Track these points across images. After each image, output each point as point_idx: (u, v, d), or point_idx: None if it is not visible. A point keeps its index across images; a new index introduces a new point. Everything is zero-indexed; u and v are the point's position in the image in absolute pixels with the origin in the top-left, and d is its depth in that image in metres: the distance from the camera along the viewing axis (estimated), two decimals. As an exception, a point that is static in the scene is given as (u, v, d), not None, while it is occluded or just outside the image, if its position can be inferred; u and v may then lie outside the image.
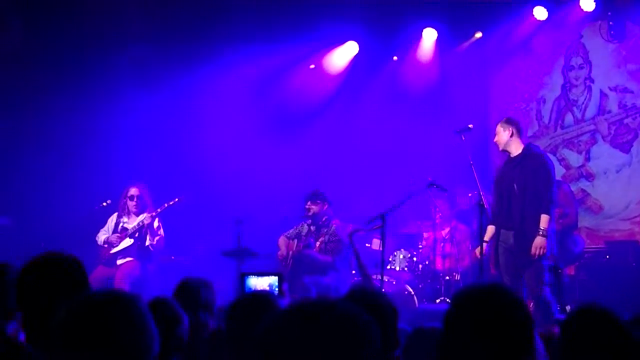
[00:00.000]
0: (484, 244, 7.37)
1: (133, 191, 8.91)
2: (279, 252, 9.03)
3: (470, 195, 9.47)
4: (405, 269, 9.55)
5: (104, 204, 9.10)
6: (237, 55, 10.38)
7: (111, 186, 9.37)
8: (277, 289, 4.37)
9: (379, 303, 2.82)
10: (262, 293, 3.77)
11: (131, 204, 8.89)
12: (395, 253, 9.65)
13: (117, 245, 8.82)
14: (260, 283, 4.37)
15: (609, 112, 10.10)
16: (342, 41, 11.02)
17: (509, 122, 7.47)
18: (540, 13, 9.84)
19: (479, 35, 10.66)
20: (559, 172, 9.51)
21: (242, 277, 4.41)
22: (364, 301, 2.76)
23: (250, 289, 4.37)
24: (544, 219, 7.07)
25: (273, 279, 4.38)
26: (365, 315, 1.63)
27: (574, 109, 10.37)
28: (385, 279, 8.20)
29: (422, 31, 10.67)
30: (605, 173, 10.16)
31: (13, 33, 9.55)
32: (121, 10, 9.65)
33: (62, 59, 10.09)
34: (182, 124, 10.72)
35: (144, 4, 9.76)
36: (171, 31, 10.30)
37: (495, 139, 7.45)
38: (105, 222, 9.03)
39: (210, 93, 10.72)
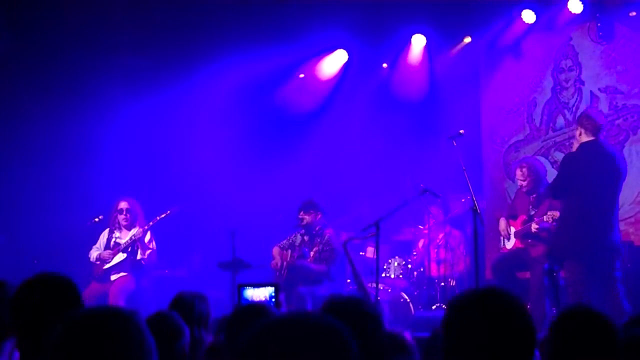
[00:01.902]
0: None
1: (122, 205, 8.87)
2: (273, 262, 9.00)
3: (463, 200, 9.45)
4: (400, 276, 9.53)
5: (96, 219, 9.05)
6: (227, 65, 10.35)
7: (103, 201, 9.32)
8: (274, 300, 4.34)
9: (357, 310, 2.77)
10: (258, 304, 3.75)
11: (121, 218, 8.86)
12: (390, 260, 9.63)
13: (109, 261, 8.77)
14: (257, 294, 4.35)
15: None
16: (331, 49, 11.01)
17: (578, 121, 7.61)
18: (528, 16, 9.83)
19: (467, 40, 10.67)
20: (552, 174, 9.49)
21: (239, 289, 4.38)
22: (341, 310, 2.71)
23: (247, 300, 4.35)
24: None
25: (270, 290, 4.35)
26: (340, 325, 1.63)
27: (565, 111, 10.36)
28: (381, 287, 8.17)
29: (410, 37, 10.66)
30: (598, 175, 10.13)
31: (1, 42, 9.50)
32: (110, 20, 9.61)
33: (51, 69, 10.05)
34: (174, 135, 10.69)
35: (133, 14, 9.72)
36: (161, 41, 10.28)
37: None
38: (97, 238, 8.99)
39: (201, 103, 10.71)
